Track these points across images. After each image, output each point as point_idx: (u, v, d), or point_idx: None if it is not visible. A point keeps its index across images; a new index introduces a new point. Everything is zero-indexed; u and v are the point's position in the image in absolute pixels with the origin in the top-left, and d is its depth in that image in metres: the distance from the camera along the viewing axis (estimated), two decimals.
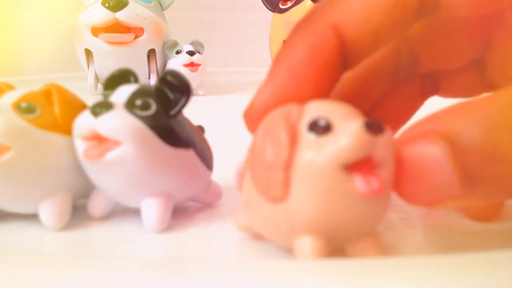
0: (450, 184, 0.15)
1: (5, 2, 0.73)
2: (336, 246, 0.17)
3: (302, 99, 0.17)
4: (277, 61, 0.17)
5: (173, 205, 0.21)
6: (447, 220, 0.22)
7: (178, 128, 0.20)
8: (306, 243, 0.16)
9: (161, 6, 0.57)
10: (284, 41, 0.56)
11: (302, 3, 0.54)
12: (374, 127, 0.15)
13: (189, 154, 0.21)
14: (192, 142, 0.21)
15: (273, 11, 0.59)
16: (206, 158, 0.22)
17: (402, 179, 0.15)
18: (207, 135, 0.24)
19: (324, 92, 0.17)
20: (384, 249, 0.17)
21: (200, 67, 0.54)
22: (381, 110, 0.21)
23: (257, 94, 0.17)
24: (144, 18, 0.53)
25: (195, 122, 0.23)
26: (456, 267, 0.17)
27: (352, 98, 0.19)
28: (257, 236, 0.19)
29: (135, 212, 0.21)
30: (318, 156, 0.15)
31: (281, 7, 0.57)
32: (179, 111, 0.20)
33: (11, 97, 0.21)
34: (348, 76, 0.19)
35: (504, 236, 0.20)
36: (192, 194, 0.22)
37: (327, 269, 0.18)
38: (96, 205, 0.22)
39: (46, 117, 0.21)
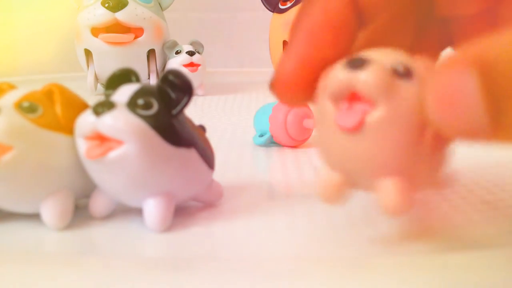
0: (477, 116, 0.14)
1: (5, 2, 0.72)
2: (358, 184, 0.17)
3: (324, 63, 0.17)
4: (295, 28, 0.18)
5: (175, 204, 0.21)
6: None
7: (180, 127, 0.20)
8: (322, 175, 0.17)
9: (160, 6, 0.57)
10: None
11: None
12: (352, 62, 0.16)
13: (191, 154, 0.21)
14: (194, 142, 0.21)
15: (272, 11, 0.59)
16: (207, 157, 0.22)
17: (433, 109, 0.15)
18: (207, 135, 0.24)
19: (344, 52, 0.17)
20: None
21: (199, 67, 0.54)
22: None
23: (281, 64, 0.18)
24: (144, 18, 0.53)
25: (195, 122, 0.23)
26: (455, 267, 0.17)
27: None
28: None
29: (137, 212, 0.21)
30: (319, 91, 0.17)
31: (281, 7, 0.57)
32: (181, 110, 0.20)
33: (13, 96, 0.21)
34: (369, 31, 0.19)
35: (504, 236, 0.20)
36: (193, 194, 0.22)
37: (328, 270, 0.18)
38: (98, 204, 0.22)
39: (48, 117, 0.21)
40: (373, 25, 0.18)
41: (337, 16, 0.17)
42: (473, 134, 0.14)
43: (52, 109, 0.21)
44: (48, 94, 0.22)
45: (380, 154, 0.16)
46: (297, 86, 0.17)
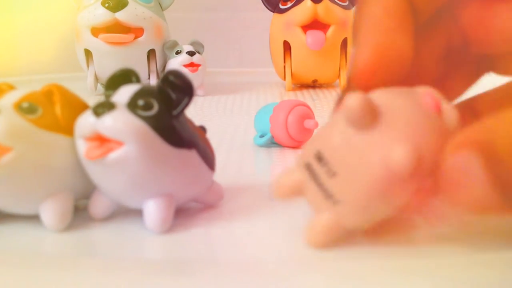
0: (486, 194, 0.15)
1: (5, 2, 0.72)
2: None
3: (395, 47, 0.18)
4: (360, 25, 0.19)
5: (175, 206, 0.21)
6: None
7: (180, 128, 0.20)
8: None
9: (161, 6, 0.57)
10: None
11: (302, 3, 0.54)
12: None
13: (191, 155, 0.21)
14: (195, 143, 0.21)
15: (273, 12, 0.59)
16: (208, 158, 0.22)
17: (445, 189, 0.16)
18: (207, 136, 0.24)
19: (410, 38, 0.19)
20: None
21: (200, 68, 0.54)
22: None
23: (357, 58, 0.19)
24: (144, 18, 0.53)
25: (196, 122, 0.23)
26: (456, 268, 0.17)
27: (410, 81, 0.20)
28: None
29: (137, 213, 0.21)
30: None
31: (281, 7, 0.57)
32: (182, 111, 0.20)
33: (12, 97, 0.21)
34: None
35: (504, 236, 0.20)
36: (194, 195, 0.22)
37: (329, 271, 0.18)
38: (98, 206, 0.21)
39: (47, 118, 0.21)
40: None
41: (396, 7, 0.19)
42: (485, 210, 0.15)
43: (52, 110, 0.21)
44: (48, 94, 0.21)
45: None
46: (376, 73, 0.18)
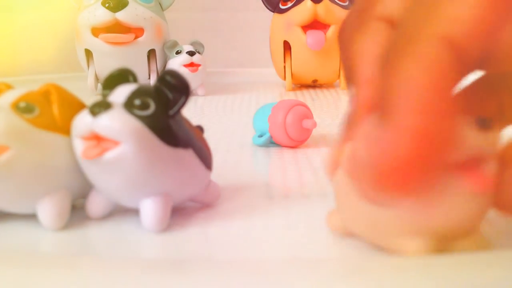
0: None
1: (5, 2, 0.72)
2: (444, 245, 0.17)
3: (446, 138, 0.14)
4: (393, 98, 0.14)
5: (172, 205, 0.21)
6: None
7: (177, 128, 0.20)
8: (416, 244, 0.17)
9: (161, 6, 0.57)
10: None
11: (302, 3, 0.54)
12: (483, 123, 0.15)
13: (188, 154, 0.21)
14: (191, 142, 0.21)
15: (273, 12, 0.59)
16: (205, 158, 0.22)
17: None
18: (207, 135, 0.24)
19: (454, 116, 0.15)
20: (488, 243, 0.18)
21: (200, 68, 0.54)
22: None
23: (389, 146, 0.14)
24: (144, 18, 0.53)
25: (195, 122, 0.23)
26: (457, 267, 0.17)
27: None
28: (350, 234, 0.19)
29: (134, 212, 0.21)
30: None
31: (281, 7, 0.57)
32: (178, 111, 0.20)
33: (10, 97, 0.21)
34: None
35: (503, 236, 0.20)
36: (191, 194, 0.22)
37: (327, 270, 0.17)
38: (95, 205, 0.22)
39: (44, 117, 0.21)
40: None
41: (442, 78, 0.14)
42: None
43: (49, 110, 0.21)
44: (45, 94, 0.21)
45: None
46: (419, 169, 0.14)
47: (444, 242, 0.17)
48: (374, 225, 0.17)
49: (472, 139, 0.15)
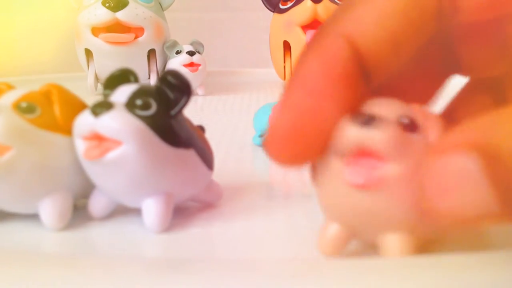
0: (485, 201, 0.13)
1: (5, 2, 0.72)
2: (365, 240, 0.18)
3: (323, 117, 0.16)
4: (291, 81, 0.16)
5: (174, 205, 0.21)
6: None
7: (178, 128, 0.20)
8: (327, 230, 0.17)
9: (161, 6, 0.57)
10: (284, 41, 0.56)
11: (302, 3, 0.54)
12: (361, 119, 0.15)
13: (189, 154, 0.21)
14: (193, 142, 0.21)
15: (273, 11, 0.59)
16: (206, 158, 0.22)
17: (431, 194, 0.14)
18: (207, 135, 0.24)
19: (346, 106, 0.16)
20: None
21: (200, 67, 0.54)
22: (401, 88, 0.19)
23: (275, 120, 0.16)
24: (145, 18, 0.53)
25: (195, 122, 0.23)
26: (455, 267, 0.17)
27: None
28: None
29: (136, 212, 0.21)
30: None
31: (281, 7, 0.57)
32: (180, 111, 0.20)
33: (11, 97, 0.21)
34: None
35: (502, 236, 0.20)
36: (192, 194, 0.22)
37: (328, 270, 0.18)
38: (97, 205, 0.22)
39: (46, 117, 0.21)
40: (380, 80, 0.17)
41: (337, 68, 0.15)
42: (479, 218, 0.14)
43: (51, 110, 0.21)
44: (46, 94, 0.22)
45: (391, 209, 0.16)
46: (295, 141, 0.16)
47: (363, 237, 0.18)
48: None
49: (353, 133, 0.15)
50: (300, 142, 0.16)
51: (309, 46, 0.16)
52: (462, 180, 0.13)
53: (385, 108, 0.16)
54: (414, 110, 0.16)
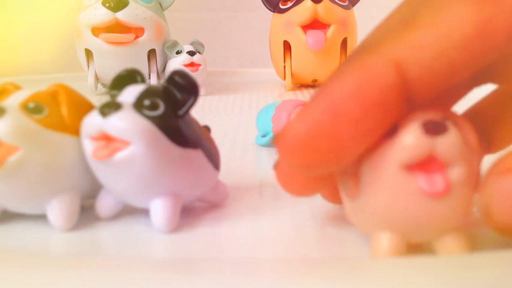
0: None
1: (5, 2, 0.72)
2: (421, 242, 0.18)
3: (340, 139, 0.15)
4: (319, 91, 0.15)
5: (181, 205, 0.21)
6: None
7: (186, 128, 0.20)
8: (382, 240, 0.17)
9: (161, 6, 0.57)
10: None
11: (302, 3, 0.54)
12: (432, 126, 0.15)
13: (197, 154, 0.21)
14: (200, 142, 0.21)
15: (273, 11, 0.59)
16: (213, 158, 0.22)
17: (499, 209, 0.15)
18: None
19: (369, 135, 0.15)
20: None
21: (200, 67, 0.54)
22: None
23: (292, 125, 0.15)
24: (145, 18, 0.53)
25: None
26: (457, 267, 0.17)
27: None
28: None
29: (144, 212, 0.21)
30: (380, 157, 0.16)
31: (281, 7, 0.57)
32: (187, 111, 0.20)
33: (19, 97, 0.21)
34: None
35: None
36: (200, 194, 0.22)
37: (335, 270, 0.18)
38: (104, 205, 0.22)
39: (53, 118, 0.21)
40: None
41: (372, 92, 0.14)
42: None
43: (58, 110, 0.21)
44: (54, 94, 0.21)
45: (455, 212, 0.16)
46: (306, 151, 0.15)
47: (418, 239, 0.17)
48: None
49: (416, 141, 0.15)
50: (310, 154, 0.15)
51: (350, 61, 0.15)
52: None
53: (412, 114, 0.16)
54: (438, 114, 0.16)
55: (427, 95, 0.15)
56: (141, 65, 0.55)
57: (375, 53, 0.15)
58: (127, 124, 0.19)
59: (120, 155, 0.19)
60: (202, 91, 0.55)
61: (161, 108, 0.20)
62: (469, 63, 0.15)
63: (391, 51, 0.15)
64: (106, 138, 0.19)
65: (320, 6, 0.53)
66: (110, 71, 0.22)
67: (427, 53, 0.14)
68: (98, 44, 0.53)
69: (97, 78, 0.56)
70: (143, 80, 0.22)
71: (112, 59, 0.53)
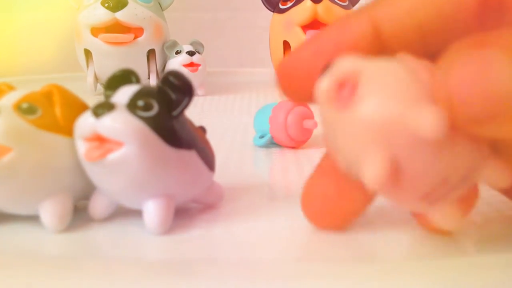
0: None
1: (5, 2, 0.72)
2: None
3: (314, 71, 0.17)
4: (305, 41, 0.19)
5: (175, 206, 0.21)
6: None
7: (180, 129, 0.20)
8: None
9: (160, 6, 0.57)
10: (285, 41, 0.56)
11: (302, 3, 0.54)
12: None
13: (191, 155, 0.21)
14: (194, 143, 0.21)
15: (273, 11, 0.59)
16: (208, 159, 0.22)
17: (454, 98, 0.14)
18: (207, 136, 0.24)
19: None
20: None
21: (200, 67, 0.54)
22: None
23: (284, 59, 0.19)
24: (144, 18, 0.53)
25: (195, 122, 0.23)
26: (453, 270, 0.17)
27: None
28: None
29: (137, 214, 0.21)
30: None
31: (281, 7, 0.57)
32: (182, 111, 0.20)
33: (12, 98, 0.21)
34: None
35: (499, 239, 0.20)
36: (194, 195, 0.22)
37: (329, 271, 0.17)
38: (98, 206, 0.21)
39: (47, 118, 0.21)
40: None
41: (349, 42, 0.18)
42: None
43: (52, 111, 0.21)
44: (48, 95, 0.21)
45: None
46: (308, 76, 0.18)
47: None
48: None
49: None
50: (291, 80, 0.19)
51: (336, 22, 0.18)
52: (484, 76, 0.13)
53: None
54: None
55: (400, 49, 0.17)
56: (141, 65, 0.55)
57: (357, 16, 0.18)
58: (120, 124, 0.19)
59: (113, 156, 0.19)
60: (201, 91, 0.55)
61: (155, 108, 0.20)
62: (439, 25, 0.17)
63: (370, 11, 0.18)
64: (99, 139, 0.19)
65: (320, 6, 0.53)
66: (110, 71, 0.21)
67: (399, 10, 0.17)
68: (97, 44, 0.53)
69: (96, 78, 0.56)
70: (137, 81, 0.22)
71: (112, 59, 0.53)
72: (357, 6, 0.58)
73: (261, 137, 0.35)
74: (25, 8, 0.73)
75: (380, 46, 0.17)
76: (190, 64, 0.54)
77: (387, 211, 0.22)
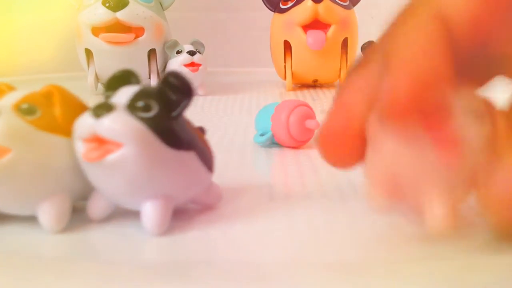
0: None
1: (5, 3, 0.72)
2: None
3: (437, 76, 0.17)
4: (394, 50, 0.17)
5: (173, 207, 0.21)
6: None
7: (179, 130, 0.20)
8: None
9: (161, 6, 0.57)
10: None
11: (303, 3, 0.54)
12: None
13: (190, 156, 0.21)
14: (194, 144, 0.21)
15: (273, 11, 0.59)
16: (207, 160, 0.22)
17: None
18: (207, 136, 0.24)
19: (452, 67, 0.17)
20: None
21: (200, 67, 0.54)
22: None
23: (394, 84, 0.17)
24: (145, 18, 0.53)
25: (195, 122, 0.23)
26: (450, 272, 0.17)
27: None
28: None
29: (135, 215, 0.21)
30: None
31: (282, 7, 0.57)
32: (181, 112, 0.20)
33: (12, 98, 0.21)
34: None
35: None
36: (192, 196, 0.22)
37: (329, 273, 0.17)
38: (96, 207, 0.21)
39: (46, 119, 0.21)
40: None
41: (439, 36, 0.17)
42: None
43: (51, 111, 0.21)
44: (47, 95, 0.21)
45: None
46: (415, 101, 0.17)
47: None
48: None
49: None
50: (421, 100, 0.17)
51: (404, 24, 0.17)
52: None
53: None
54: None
55: (471, 45, 0.17)
56: (141, 65, 0.55)
57: (420, 13, 0.17)
58: (119, 125, 0.19)
59: (112, 157, 0.19)
60: (202, 91, 0.55)
61: (155, 109, 0.20)
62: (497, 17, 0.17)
63: (432, 10, 0.17)
64: (98, 140, 0.19)
65: (320, 6, 0.53)
66: (110, 71, 0.21)
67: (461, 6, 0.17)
68: (98, 44, 0.53)
69: (97, 78, 0.56)
70: (137, 81, 0.22)
71: (112, 59, 0.53)
72: (357, 6, 0.58)
73: (262, 135, 0.35)
74: (25, 8, 0.73)
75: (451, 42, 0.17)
76: (191, 64, 0.54)
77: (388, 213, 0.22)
